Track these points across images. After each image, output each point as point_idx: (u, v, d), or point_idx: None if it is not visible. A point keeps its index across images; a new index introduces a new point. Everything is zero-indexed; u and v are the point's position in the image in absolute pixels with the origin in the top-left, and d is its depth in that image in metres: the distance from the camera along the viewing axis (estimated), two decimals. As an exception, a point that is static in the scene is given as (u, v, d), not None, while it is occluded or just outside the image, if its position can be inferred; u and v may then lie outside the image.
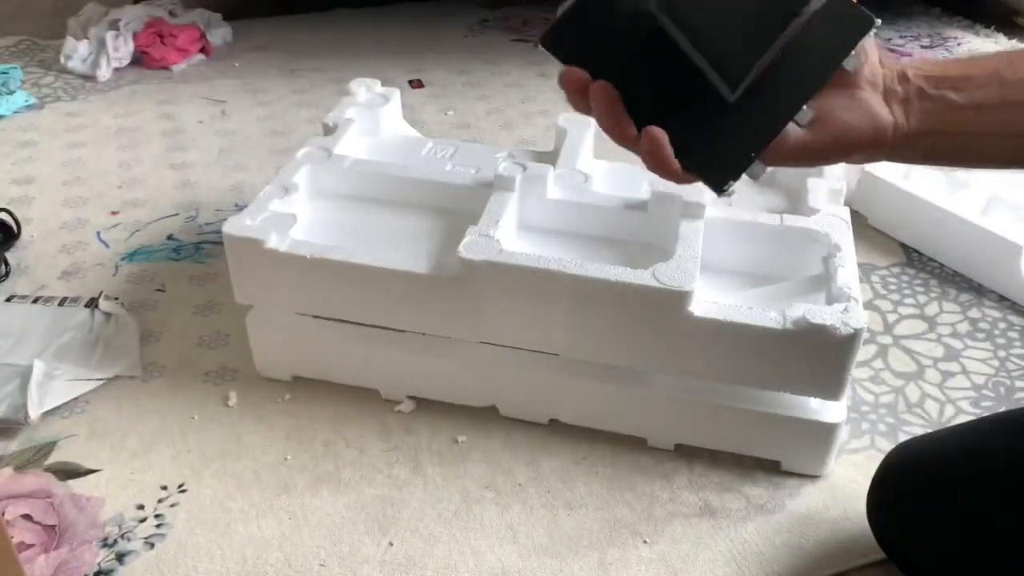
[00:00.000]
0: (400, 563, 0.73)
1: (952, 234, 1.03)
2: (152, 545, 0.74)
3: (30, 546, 0.73)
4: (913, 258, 1.11)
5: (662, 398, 0.81)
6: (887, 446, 0.84)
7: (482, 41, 1.83)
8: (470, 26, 1.90)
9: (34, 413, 0.84)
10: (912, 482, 0.68)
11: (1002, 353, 0.96)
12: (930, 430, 0.86)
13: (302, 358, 0.90)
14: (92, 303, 0.97)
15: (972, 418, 0.86)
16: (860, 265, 1.09)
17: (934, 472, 0.67)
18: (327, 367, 0.90)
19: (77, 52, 1.63)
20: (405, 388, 0.88)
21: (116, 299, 1.01)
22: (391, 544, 0.74)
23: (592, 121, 1.01)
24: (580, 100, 0.53)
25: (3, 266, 1.07)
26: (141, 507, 0.77)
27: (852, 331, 0.71)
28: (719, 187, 0.53)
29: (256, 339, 0.90)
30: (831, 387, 0.75)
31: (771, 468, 0.81)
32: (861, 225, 1.17)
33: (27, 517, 0.76)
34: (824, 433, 0.78)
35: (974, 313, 1.02)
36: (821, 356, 0.73)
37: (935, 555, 0.65)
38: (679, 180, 0.54)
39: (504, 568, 0.72)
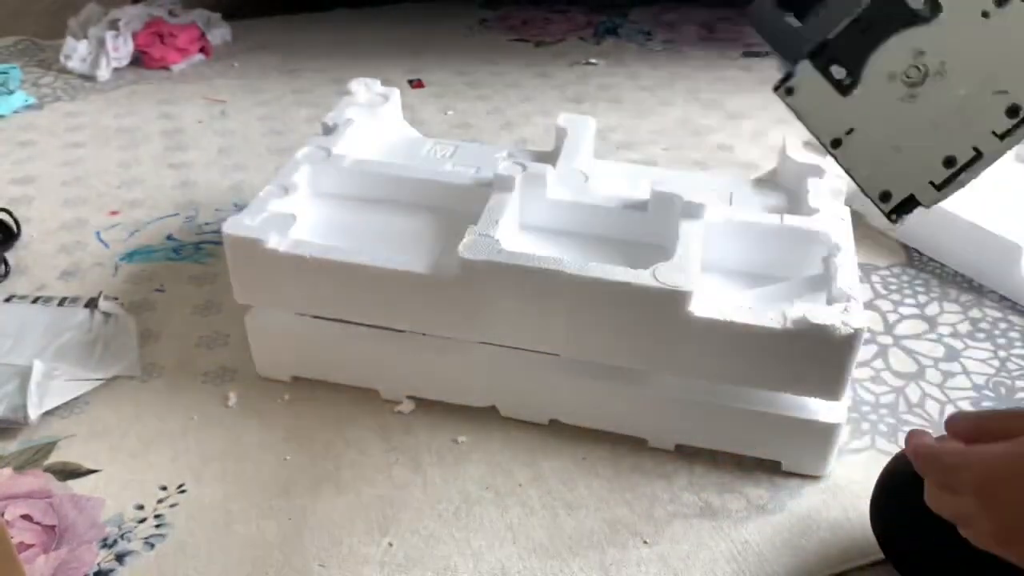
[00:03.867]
0: (400, 563, 0.73)
1: (953, 234, 1.03)
2: (152, 545, 0.74)
3: (30, 546, 0.73)
4: (913, 258, 1.11)
5: (662, 398, 0.81)
6: (887, 446, 0.84)
7: (482, 41, 1.83)
8: (470, 26, 1.90)
9: (34, 413, 0.84)
10: (916, 488, 0.68)
11: (1003, 353, 0.96)
12: (931, 431, 0.86)
13: (302, 358, 0.90)
14: (91, 303, 0.97)
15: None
16: (860, 265, 1.09)
17: None
18: (327, 367, 0.89)
19: (77, 52, 1.63)
20: (405, 388, 0.88)
21: (116, 299, 1.01)
22: (391, 544, 0.74)
23: (592, 121, 1.02)
24: None
25: (3, 266, 1.07)
26: (141, 507, 0.77)
27: (852, 331, 0.71)
28: None
29: (255, 339, 0.89)
30: (831, 387, 0.75)
31: (771, 468, 0.81)
32: (861, 225, 1.17)
33: (27, 517, 0.76)
34: (824, 433, 0.78)
35: (975, 313, 1.02)
36: (821, 356, 0.73)
37: (939, 561, 0.65)
38: None
39: (504, 569, 0.72)
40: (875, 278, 1.08)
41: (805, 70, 0.55)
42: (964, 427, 0.56)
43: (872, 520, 0.71)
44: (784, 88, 0.57)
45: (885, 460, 0.74)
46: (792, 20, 0.57)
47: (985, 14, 0.50)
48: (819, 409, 0.79)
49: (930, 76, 0.52)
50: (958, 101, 0.53)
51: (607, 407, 0.83)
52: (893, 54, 0.53)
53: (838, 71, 0.54)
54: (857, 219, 1.17)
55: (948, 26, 0.51)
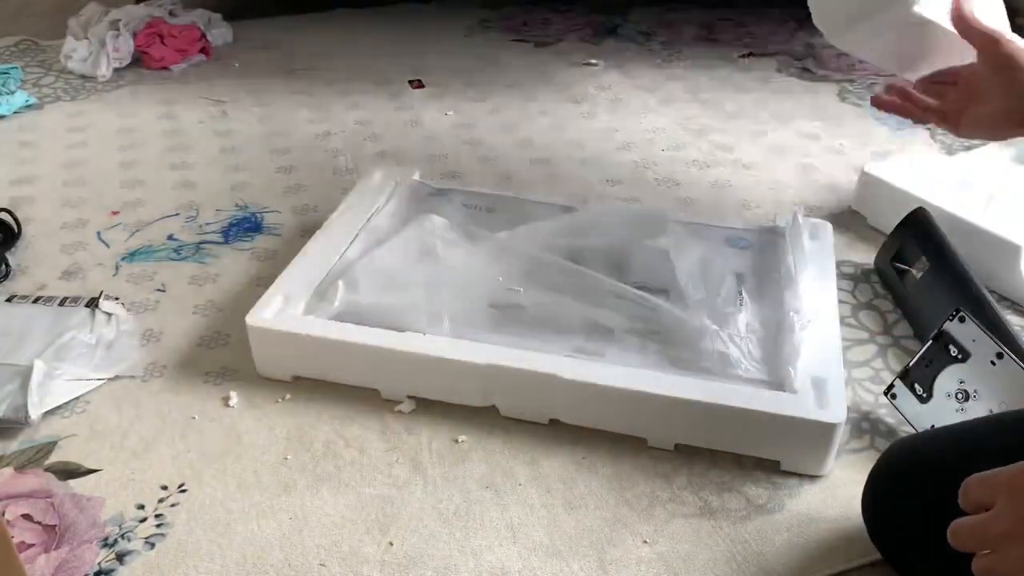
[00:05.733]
0: (400, 563, 0.73)
1: (952, 234, 1.03)
2: (152, 545, 0.74)
3: (30, 546, 0.73)
4: (913, 258, 1.11)
5: (662, 398, 0.81)
6: (886, 444, 0.84)
7: (482, 41, 1.83)
8: (470, 26, 1.90)
9: (34, 413, 0.84)
10: (906, 481, 0.68)
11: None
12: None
13: (302, 358, 0.90)
14: (92, 303, 0.97)
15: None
16: (859, 265, 1.10)
17: (928, 471, 0.66)
18: (327, 367, 0.90)
19: (77, 52, 1.63)
20: (405, 388, 0.88)
21: (116, 299, 1.01)
22: (391, 544, 0.74)
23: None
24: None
25: (4, 266, 1.07)
26: (141, 507, 0.77)
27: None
28: None
29: (256, 339, 0.90)
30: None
31: (771, 468, 0.81)
32: (861, 225, 1.17)
33: (27, 517, 0.76)
34: (824, 433, 0.78)
35: (974, 313, 1.02)
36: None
37: (929, 554, 0.65)
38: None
39: (504, 568, 0.72)
40: (874, 278, 1.08)
41: (899, 386, 0.85)
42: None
43: (865, 517, 0.72)
44: (890, 394, 0.86)
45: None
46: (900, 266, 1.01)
47: (992, 362, 0.78)
48: (818, 409, 0.79)
49: (971, 398, 0.79)
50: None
51: (607, 407, 0.83)
52: (947, 381, 0.81)
53: (918, 388, 0.83)
54: (857, 219, 1.18)
55: (974, 366, 0.79)
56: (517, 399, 0.86)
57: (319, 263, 0.96)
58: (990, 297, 0.93)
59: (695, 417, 0.81)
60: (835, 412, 0.79)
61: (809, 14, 0.91)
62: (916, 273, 1.00)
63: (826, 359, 0.84)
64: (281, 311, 0.90)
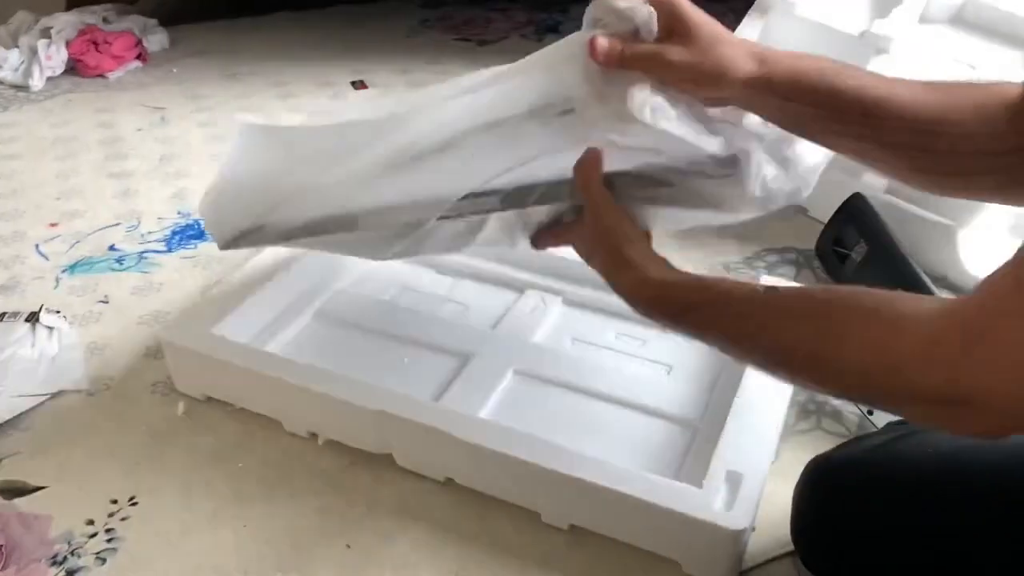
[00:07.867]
0: (358, 565, 0.72)
1: (889, 218, 1.05)
2: (104, 560, 0.73)
3: (-24, 568, 0.72)
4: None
5: (554, 474, 0.72)
6: (833, 426, 0.85)
7: (424, 41, 1.83)
8: (411, 26, 1.90)
9: (-25, 432, 0.82)
10: (835, 506, 0.66)
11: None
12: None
13: (212, 380, 0.87)
14: (33, 317, 0.95)
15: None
16: (802, 252, 1.12)
17: (858, 495, 0.65)
18: (233, 392, 0.87)
19: (7, 61, 1.60)
20: (305, 424, 0.84)
21: (58, 312, 0.99)
22: (348, 546, 0.74)
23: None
24: None
25: (-63, 283, 1.05)
26: (91, 522, 0.76)
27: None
28: None
29: (170, 355, 0.88)
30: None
31: (675, 567, 0.72)
32: (803, 217, 1.19)
33: (-28, 538, 0.74)
34: (726, 540, 0.68)
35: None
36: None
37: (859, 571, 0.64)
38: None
39: (462, 565, 0.73)
40: (816, 264, 1.10)
41: None
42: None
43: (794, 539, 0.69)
44: None
45: (832, 441, 0.75)
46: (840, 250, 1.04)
47: None
48: (724, 511, 0.69)
49: None
50: None
51: (500, 473, 0.76)
52: None
53: None
54: (799, 211, 1.20)
55: None
56: (412, 451, 0.80)
57: (257, 279, 0.94)
58: (926, 277, 0.96)
59: (589, 499, 0.72)
60: (741, 516, 0.68)
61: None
62: (856, 257, 1.02)
63: (751, 451, 0.74)
64: (198, 328, 0.87)
